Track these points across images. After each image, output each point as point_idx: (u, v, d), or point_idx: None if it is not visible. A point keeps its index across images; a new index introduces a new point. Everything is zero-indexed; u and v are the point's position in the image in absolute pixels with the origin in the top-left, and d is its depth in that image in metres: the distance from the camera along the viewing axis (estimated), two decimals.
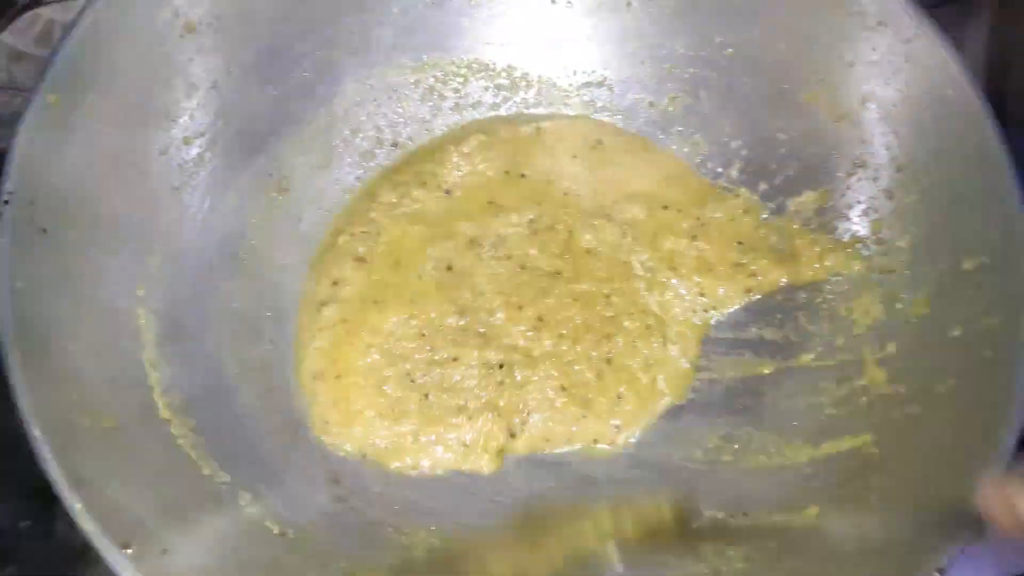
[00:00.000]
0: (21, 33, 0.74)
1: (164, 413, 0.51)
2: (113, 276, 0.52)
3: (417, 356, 0.59)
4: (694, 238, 0.64)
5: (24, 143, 0.47)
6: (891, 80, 0.58)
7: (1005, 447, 0.43)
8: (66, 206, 0.50)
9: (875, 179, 0.60)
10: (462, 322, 0.60)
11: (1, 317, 0.44)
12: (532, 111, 0.71)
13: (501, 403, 0.58)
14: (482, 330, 0.60)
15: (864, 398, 0.54)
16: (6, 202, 0.45)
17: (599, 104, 0.70)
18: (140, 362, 0.52)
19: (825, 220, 0.62)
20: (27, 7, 0.74)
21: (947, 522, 0.42)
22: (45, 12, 0.73)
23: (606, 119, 0.70)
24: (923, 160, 0.56)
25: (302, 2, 0.63)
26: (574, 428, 0.59)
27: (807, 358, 0.59)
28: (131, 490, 0.45)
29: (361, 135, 0.68)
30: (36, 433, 0.42)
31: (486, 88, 0.70)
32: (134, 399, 0.50)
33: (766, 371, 0.59)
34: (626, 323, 0.61)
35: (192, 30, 0.58)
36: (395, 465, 0.57)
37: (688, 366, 0.61)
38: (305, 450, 0.56)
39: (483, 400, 0.58)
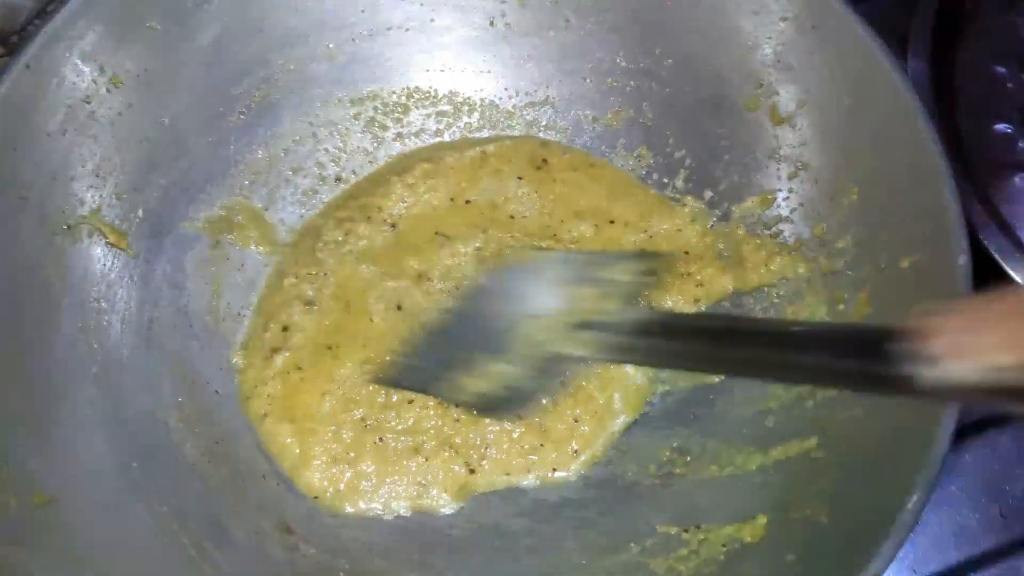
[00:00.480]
0: None
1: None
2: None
3: (372, 400, 0.59)
4: None
5: None
6: (826, 83, 0.57)
7: (940, 445, 0.42)
8: None
9: (816, 181, 0.59)
10: None
11: None
12: (476, 135, 0.70)
13: (458, 440, 0.58)
14: None
15: (810, 402, 0.53)
16: None
17: (543, 123, 0.70)
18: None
19: (769, 224, 0.61)
20: None
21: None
22: None
23: (551, 137, 0.70)
24: (861, 160, 0.55)
25: (232, 46, 0.62)
26: (533, 457, 0.58)
27: None
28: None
29: (303, 173, 0.68)
30: None
31: (428, 115, 0.70)
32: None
33: (716, 380, 0.58)
34: None
35: (119, 84, 0.57)
36: (350, 509, 0.56)
37: (644, 381, 0.61)
38: (254, 501, 0.55)
39: (440, 439, 0.58)
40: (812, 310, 0.56)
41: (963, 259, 0.46)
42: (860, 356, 0.31)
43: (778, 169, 0.61)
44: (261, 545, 0.53)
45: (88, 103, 0.56)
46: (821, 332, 0.39)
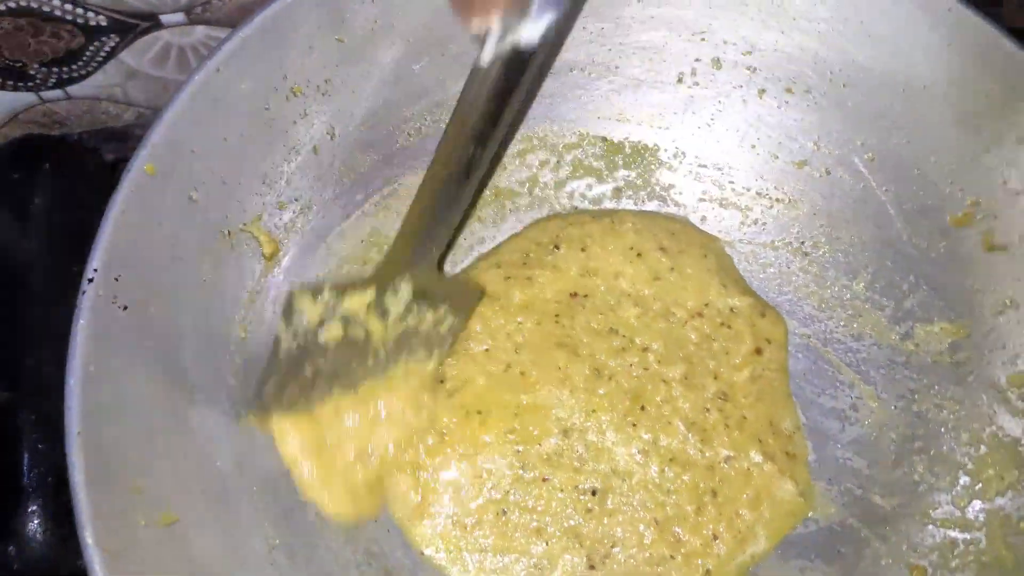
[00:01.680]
0: (139, 53, 0.74)
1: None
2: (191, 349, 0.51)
3: (507, 472, 0.56)
4: None
5: (116, 217, 0.46)
6: None
7: None
8: (152, 281, 0.48)
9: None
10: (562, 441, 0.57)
11: (67, 405, 0.42)
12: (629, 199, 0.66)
13: (585, 530, 0.54)
14: (580, 450, 0.56)
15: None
16: (90, 280, 0.44)
17: (713, 195, 0.65)
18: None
19: (959, 359, 0.55)
20: (147, 30, 0.74)
21: None
22: (164, 35, 0.73)
23: (713, 211, 0.65)
24: None
25: (412, 66, 0.60)
26: (659, 568, 0.54)
27: (929, 511, 0.53)
28: None
29: None
30: (88, 541, 0.40)
31: (590, 156, 0.66)
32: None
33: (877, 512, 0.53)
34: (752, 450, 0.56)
35: (299, 93, 0.56)
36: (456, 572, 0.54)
37: (798, 499, 0.56)
38: (363, 545, 0.53)
39: (566, 525, 0.54)
40: (1003, 470, 0.50)
41: None
42: None
43: (981, 300, 0.55)
44: None
45: (267, 110, 0.54)
46: None
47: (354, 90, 0.58)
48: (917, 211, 0.58)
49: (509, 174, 0.66)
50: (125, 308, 0.46)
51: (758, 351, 0.59)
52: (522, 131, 0.65)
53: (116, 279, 0.45)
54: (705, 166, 0.65)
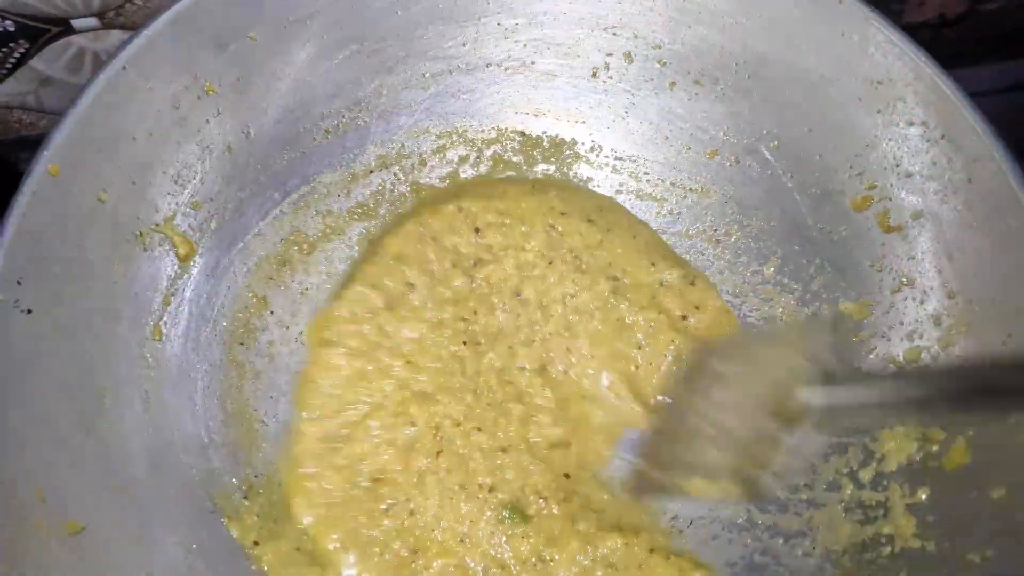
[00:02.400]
0: (52, 59, 0.72)
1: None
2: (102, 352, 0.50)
3: None
4: None
5: (18, 218, 0.45)
6: (949, 198, 0.53)
7: None
8: (59, 284, 0.47)
9: (922, 301, 0.55)
10: None
11: None
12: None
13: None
14: None
15: (888, 549, 0.50)
16: None
17: (631, 187, 0.67)
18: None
19: (863, 337, 0.58)
20: (58, 35, 0.72)
21: None
22: (77, 40, 0.72)
23: (635, 202, 0.67)
24: (978, 290, 0.52)
25: (328, 65, 0.60)
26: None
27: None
28: None
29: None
30: None
31: (508, 157, 0.67)
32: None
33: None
34: None
35: (211, 92, 0.55)
36: None
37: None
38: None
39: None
40: (901, 443, 0.53)
41: None
42: None
43: (880, 280, 0.57)
44: None
45: (177, 109, 0.54)
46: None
47: (268, 88, 0.58)
48: (820, 196, 0.60)
49: (430, 170, 0.66)
50: (29, 312, 0.45)
51: (684, 318, 0.61)
52: (441, 127, 0.65)
53: (19, 282, 0.44)
54: (621, 158, 0.66)
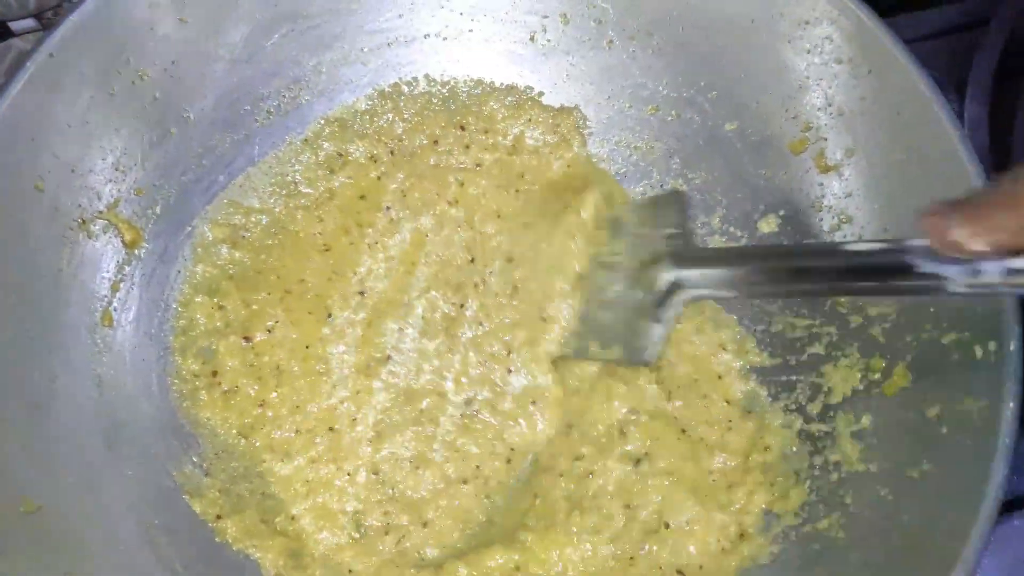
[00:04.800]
0: None
1: None
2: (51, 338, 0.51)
3: None
4: None
5: None
6: (878, 133, 0.54)
7: (972, 547, 0.40)
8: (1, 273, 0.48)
9: (860, 237, 0.56)
10: None
11: None
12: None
13: None
14: None
15: (835, 475, 0.51)
16: None
17: (575, 145, 0.67)
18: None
19: None
20: None
21: None
22: (16, 43, 0.72)
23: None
24: (907, 218, 0.52)
25: (263, 44, 0.60)
26: None
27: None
28: None
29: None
30: None
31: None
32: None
33: None
34: None
35: (145, 77, 0.56)
36: None
37: None
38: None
39: None
40: (845, 374, 0.54)
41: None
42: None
43: (820, 220, 0.58)
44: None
45: (112, 95, 0.54)
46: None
47: (204, 71, 0.59)
48: (760, 143, 0.61)
49: None
50: None
51: None
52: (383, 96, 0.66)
53: None
54: None
